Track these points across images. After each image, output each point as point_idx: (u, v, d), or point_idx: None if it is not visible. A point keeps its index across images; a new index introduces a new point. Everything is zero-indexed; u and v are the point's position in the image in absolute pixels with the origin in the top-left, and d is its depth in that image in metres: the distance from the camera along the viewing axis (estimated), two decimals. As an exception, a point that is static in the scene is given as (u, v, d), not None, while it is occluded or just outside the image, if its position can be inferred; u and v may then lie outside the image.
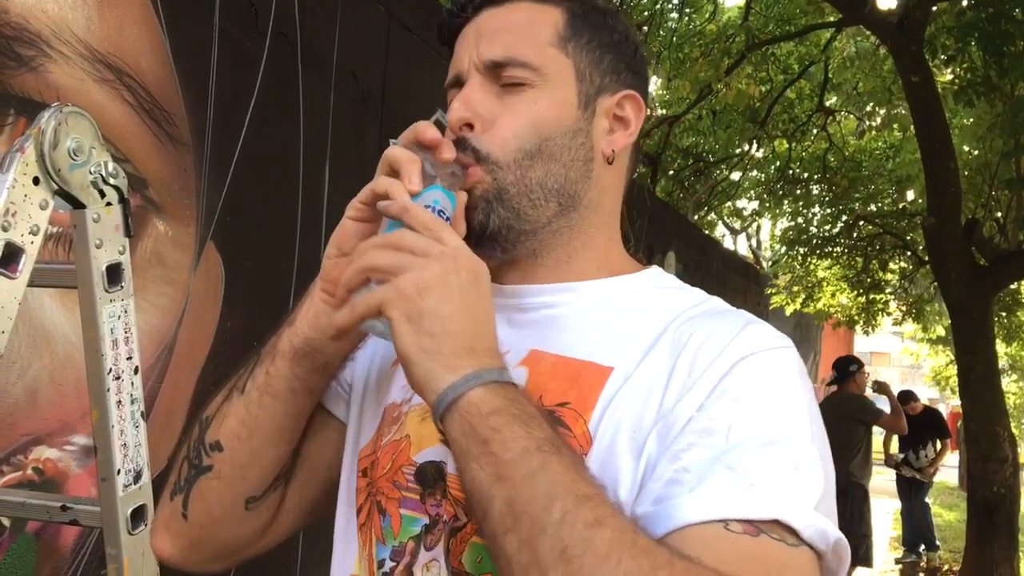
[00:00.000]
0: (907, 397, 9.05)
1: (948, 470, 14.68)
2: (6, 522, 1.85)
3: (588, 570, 0.64)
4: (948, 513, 12.44)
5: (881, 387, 7.60)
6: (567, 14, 0.93)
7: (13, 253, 0.93)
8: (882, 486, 9.81)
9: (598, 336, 0.86)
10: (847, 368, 7.03)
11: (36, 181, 0.94)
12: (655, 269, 0.96)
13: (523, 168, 0.88)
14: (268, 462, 0.94)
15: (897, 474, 9.25)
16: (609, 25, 0.95)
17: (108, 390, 1.02)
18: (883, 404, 7.41)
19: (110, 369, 1.02)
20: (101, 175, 1.00)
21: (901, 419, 7.34)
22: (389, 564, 0.88)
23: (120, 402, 1.03)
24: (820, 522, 0.72)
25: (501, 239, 0.90)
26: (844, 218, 11.19)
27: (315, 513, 1.04)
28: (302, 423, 0.95)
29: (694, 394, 0.78)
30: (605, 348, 0.85)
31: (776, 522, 0.71)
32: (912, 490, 9.14)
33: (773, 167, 11.41)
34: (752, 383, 0.79)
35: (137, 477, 1.05)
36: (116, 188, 1.02)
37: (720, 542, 0.69)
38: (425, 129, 0.85)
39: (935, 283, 8.52)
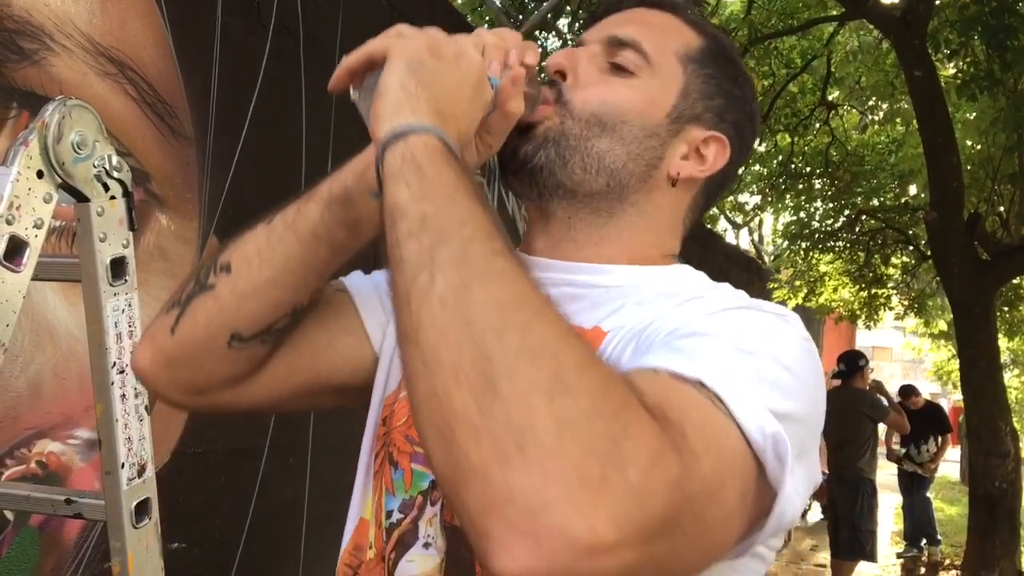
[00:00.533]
0: (908, 392, 9.05)
1: (950, 465, 14.68)
2: (10, 516, 1.85)
3: (476, 276, 0.62)
4: (950, 508, 12.44)
5: (878, 387, 7.59)
6: (703, 43, 0.95)
7: (17, 247, 0.93)
8: (884, 480, 9.80)
9: (608, 310, 0.86)
10: (856, 362, 6.99)
11: (40, 175, 0.94)
12: (686, 267, 0.95)
13: (592, 132, 0.89)
14: (266, 302, 0.91)
15: (899, 468, 9.25)
16: (734, 78, 0.96)
17: (112, 384, 1.03)
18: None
19: (114, 363, 1.03)
20: (105, 168, 1.00)
21: (903, 418, 7.34)
22: (397, 516, 0.89)
23: (124, 396, 1.03)
24: (762, 416, 0.67)
25: (540, 180, 0.90)
26: (846, 212, 11.17)
27: (289, 404, 1.02)
28: (311, 280, 0.92)
29: (673, 322, 0.78)
30: (611, 319, 0.85)
31: (702, 384, 0.67)
32: (914, 485, 9.14)
33: (775, 161, 11.38)
34: (740, 324, 0.77)
35: (141, 471, 1.05)
36: (120, 181, 1.02)
37: (642, 376, 0.68)
38: (529, 45, 0.88)
39: (937, 278, 8.52)
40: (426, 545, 0.87)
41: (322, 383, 1.00)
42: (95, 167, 0.99)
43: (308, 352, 0.98)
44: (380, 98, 0.76)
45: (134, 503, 1.04)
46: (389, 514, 0.90)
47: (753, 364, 0.71)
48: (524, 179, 0.91)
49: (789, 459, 0.67)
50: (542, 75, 0.94)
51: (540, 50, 0.92)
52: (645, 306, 0.84)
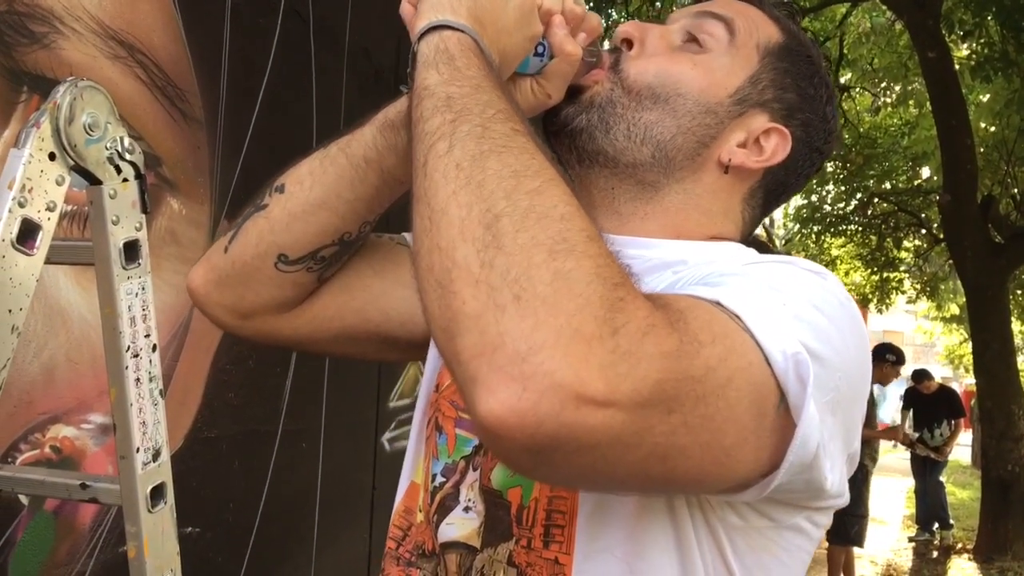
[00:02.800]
0: (921, 376, 9.01)
1: (962, 448, 14.65)
2: (24, 500, 1.85)
3: (493, 147, 0.64)
4: (962, 491, 12.42)
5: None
6: (784, 38, 0.94)
7: (30, 229, 0.92)
8: (896, 464, 9.79)
9: (650, 280, 0.83)
10: (884, 356, 6.83)
11: (52, 156, 0.93)
12: (736, 243, 0.93)
13: (642, 103, 0.88)
14: (314, 224, 0.93)
15: (911, 453, 9.23)
16: (810, 77, 0.94)
17: (126, 368, 1.02)
18: (896, 385, 7.35)
19: (128, 347, 1.02)
20: (117, 151, 0.99)
21: (878, 434, 7.17)
22: (440, 479, 0.90)
23: (139, 380, 1.03)
24: (784, 339, 0.66)
25: (579, 144, 0.90)
26: (859, 196, 11.14)
27: (332, 346, 1.03)
28: (359, 208, 0.93)
29: (707, 270, 0.78)
30: (650, 286, 0.83)
31: (720, 303, 0.67)
32: (926, 469, 9.12)
33: (787, 144, 11.31)
34: (773, 270, 0.76)
35: (156, 455, 1.05)
36: (132, 164, 1.01)
37: (658, 293, 0.68)
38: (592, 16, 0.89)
39: (950, 261, 8.48)
40: (466, 509, 0.87)
41: (370, 330, 1.01)
42: (107, 149, 0.98)
43: (361, 296, 0.99)
44: (422, 1, 0.78)
45: (149, 487, 1.03)
46: (434, 478, 0.91)
47: (780, 298, 0.70)
48: (564, 141, 0.91)
49: (810, 382, 0.66)
50: (605, 43, 0.94)
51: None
52: (686, 274, 0.83)
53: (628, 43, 0.92)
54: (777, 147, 0.90)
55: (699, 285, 0.72)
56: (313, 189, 0.93)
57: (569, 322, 0.55)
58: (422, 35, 0.75)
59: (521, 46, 0.83)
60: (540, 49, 0.86)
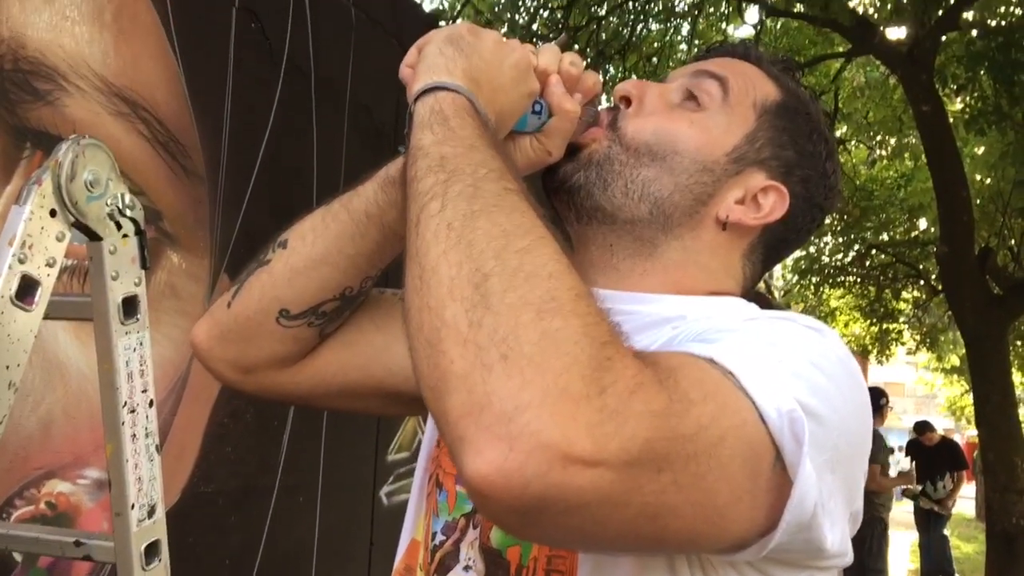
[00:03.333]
0: (923, 428, 8.95)
1: (965, 501, 14.51)
2: (18, 557, 1.83)
3: (484, 207, 0.64)
4: (966, 545, 12.27)
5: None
6: (782, 97, 0.94)
7: (29, 285, 0.92)
8: (900, 518, 9.70)
9: (649, 336, 0.82)
10: (877, 401, 6.89)
11: (53, 213, 0.94)
12: (738, 298, 0.93)
13: (640, 159, 0.89)
14: (316, 279, 0.93)
15: (915, 506, 9.13)
16: (809, 135, 0.94)
17: (123, 423, 1.01)
18: (897, 437, 7.31)
19: (125, 402, 1.02)
20: (118, 207, 1.00)
21: (883, 482, 7.12)
22: (440, 538, 0.89)
23: (135, 435, 1.02)
24: (779, 397, 0.65)
25: (577, 201, 0.90)
26: (856, 247, 11.17)
27: (336, 401, 1.03)
28: (361, 263, 0.93)
29: (704, 325, 0.78)
30: (647, 341, 0.82)
31: (714, 361, 0.67)
32: (930, 522, 9.01)
33: (784, 196, 11.38)
34: (771, 326, 0.76)
35: (151, 512, 1.04)
36: (133, 220, 1.01)
37: (651, 351, 0.69)
38: (592, 76, 0.90)
39: (949, 312, 8.48)
40: (466, 568, 0.86)
41: (374, 385, 1.01)
42: (108, 205, 0.99)
43: (364, 352, 0.99)
44: (420, 63, 0.80)
45: (144, 545, 1.02)
46: (434, 535, 0.90)
47: (777, 354, 0.70)
48: (562, 199, 0.91)
49: (806, 440, 0.65)
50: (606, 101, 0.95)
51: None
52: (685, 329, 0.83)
53: (627, 101, 0.93)
54: (775, 204, 0.90)
55: (694, 342, 0.72)
56: (315, 244, 0.93)
57: (556, 381, 0.55)
58: (418, 96, 0.76)
59: (518, 104, 0.84)
60: (537, 108, 0.88)
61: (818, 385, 0.69)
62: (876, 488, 6.85)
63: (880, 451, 6.82)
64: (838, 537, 0.72)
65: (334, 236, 0.93)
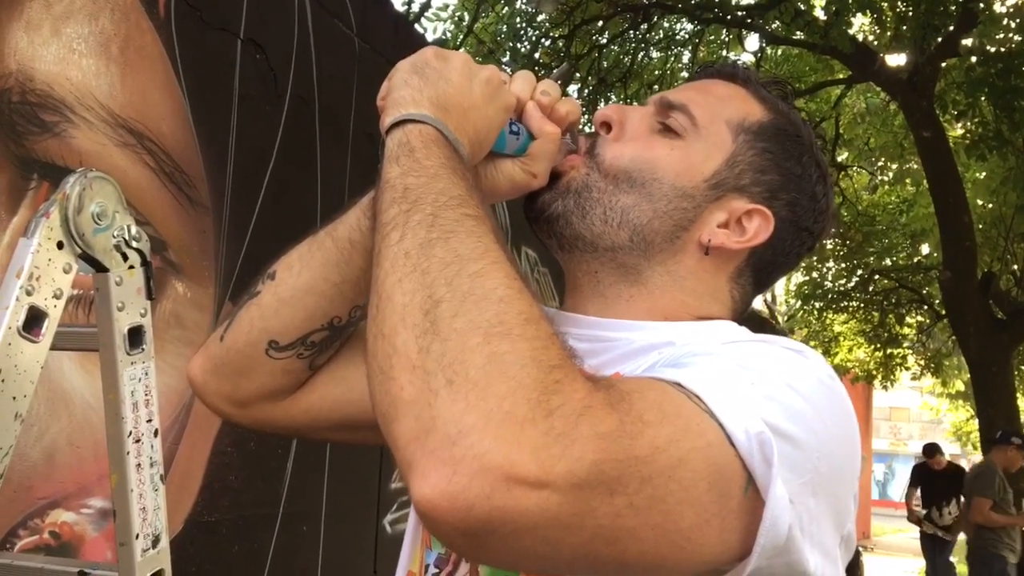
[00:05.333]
0: (932, 450, 8.88)
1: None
2: (21, 587, 1.83)
3: (441, 234, 0.65)
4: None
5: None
6: (768, 117, 0.92)
7: (36, 317, 0.93)
8: (907, 544, 9.63)
9: (636, 362, 0.82)
10: (1009, 440, 6.74)
11: (60, 245, 0.95)
12: (729, 322, 0.91)
13: (619, 186, 0.88)
14: (302, 308, 0.93)
15: (921, 532, 9.06)
16: (797, 157, 0.92)
17: (128, 453, 1.02)
18: (903, 462, 7.24)
19: (130, 432, 1.02)
20: (124, 239, 1.01)
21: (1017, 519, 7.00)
22: (433, 570, 0.89)
23: (140, 465, 1.03)
24: (747, 419, 0.64)
25: (557, 229, 0.90)
26: (859, 272, 11.16)
27: (332, 434, 1.03)
28: (347, 291, 0.93)
29: (682, 350, 0.77)
30: (633, 367, 0.83)
31: (680, 385, 0.66)
32: (936, 548, 8.94)
33: (786, 222, 11.40)
34: (750, 349, 0.76)
35: (156, 541, 1.04)
36: (139, 251, 1.02)
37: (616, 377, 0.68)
38: (570, 103, 0.90)
39: (953, 337, 8.46)
40: None
41: (368, 419, 1.00)
42: (114, 237, 1.00)
43: (358, 387, 0.98)
44: (388, 95, 0.81)
45: (148, 574, 1.02)
46: (427, 568, 0.90)
47: (748, 377, 0.69)
48: (543, 228, 0.91)
49: (775, 462, 0.64)
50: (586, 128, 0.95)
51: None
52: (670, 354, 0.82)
53: (607, 127, 0.93)
54: (759, 228, 0.89)
55: (667, 367, 0.72)
56: (301, 274, 0.94)
57: (500, 405, 0.56)
58: (388, 131, 0.77)
59: (495, 119, 0.84)
60: (515, 128, 0.88)
61: (793, 407, 0.68)
62: (983, 522, 6.72)
63: (990, 485, 6.68)
64: (819, 560, 0.70)
65: (319, 264, 0.93)
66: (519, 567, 0.75)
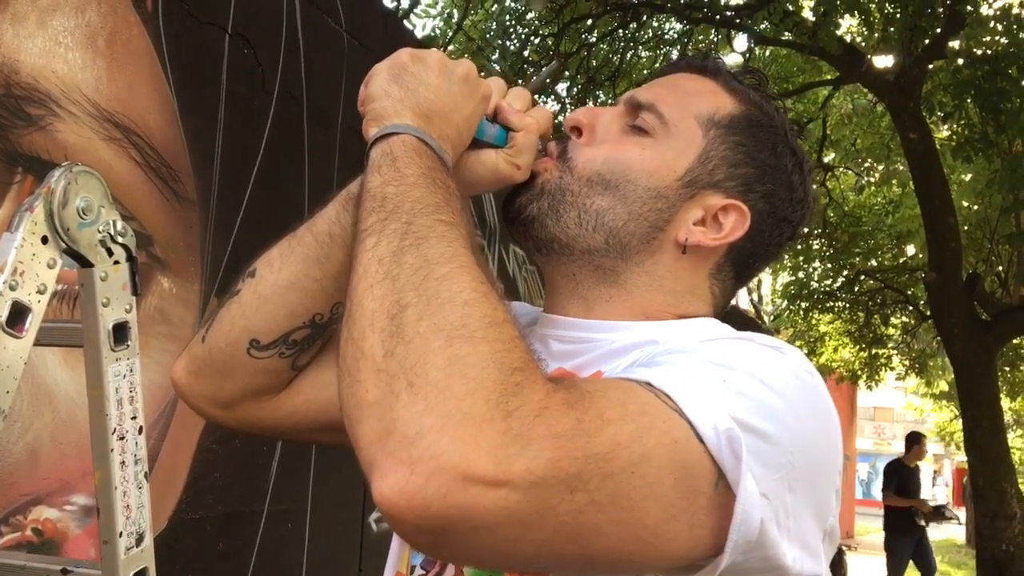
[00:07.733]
0: (915, 439, 8.82)
1: (955, 527, 14.48)
2: (3, 584, 1.81)
3: (414, 240, 0.67)
4: (957, 571, 12.25)
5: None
6: (739, 109, 0.92)
7: (20, 312, 0.92)
8: (879, 543, 9.65)
9: (617, 361, 0.83)
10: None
11: (44, 240, 0.94)
12: (710, 319, 0.91)
13: (592, 189, 0.88)
14: (283, 306, 0.92)
15: (896, 531, 8.91)
16: (772, 147, 0.91)
17: (112, 450, 1.01)
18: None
19: (114, 429, 1.01)
20: (109, 234, 1.00)
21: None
22: (419, 572, 0.89)
23: (124, 463, 1.02)
24: (716, 416, 0.65)
25: (532, 232, 0.90)
26: (845, 273, 11.21)
27: (319, 436, 1.03)
28: (328, 286, 0.92)
29: (659, 348, 0.78)
30: (610, 368, 0.83)
31: (650, 384, 0.67)
32: (914, 540, 8.84)
33: (773, 222, 11.43)
34: (724, 346, 0.76)
35: (139, 539, 1.03)
36: (124, 247, 1.02)
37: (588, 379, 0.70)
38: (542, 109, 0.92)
39: (938, 338, 8.51)
40: None
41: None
42: (100, 232, 0.99)
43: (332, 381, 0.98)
44: (368, 105, 0.82)
45: (132, 572, 1.02)
46: (413, 569, 0.90)
47: (721, 374, 0.70)
48: (519, 230, 0.91)
49: (743, 457, 0.65)
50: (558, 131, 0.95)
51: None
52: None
53: (577, 131, 0.93)
54: (736, 223, 0.89)
55: (641, 367, 0.73)
56: (282, 271, 0.93)
57: (459, 406, 0.57)
58: (373, 143, 0.79)
59: (475, 113, 0.85)
60: (491, 115, 0.89)
61: (765, 403, 0.69)
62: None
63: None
64: (799, 554, 0.70)
65: (300, 260, 0.93)
66: (483, 564, 0.77)
